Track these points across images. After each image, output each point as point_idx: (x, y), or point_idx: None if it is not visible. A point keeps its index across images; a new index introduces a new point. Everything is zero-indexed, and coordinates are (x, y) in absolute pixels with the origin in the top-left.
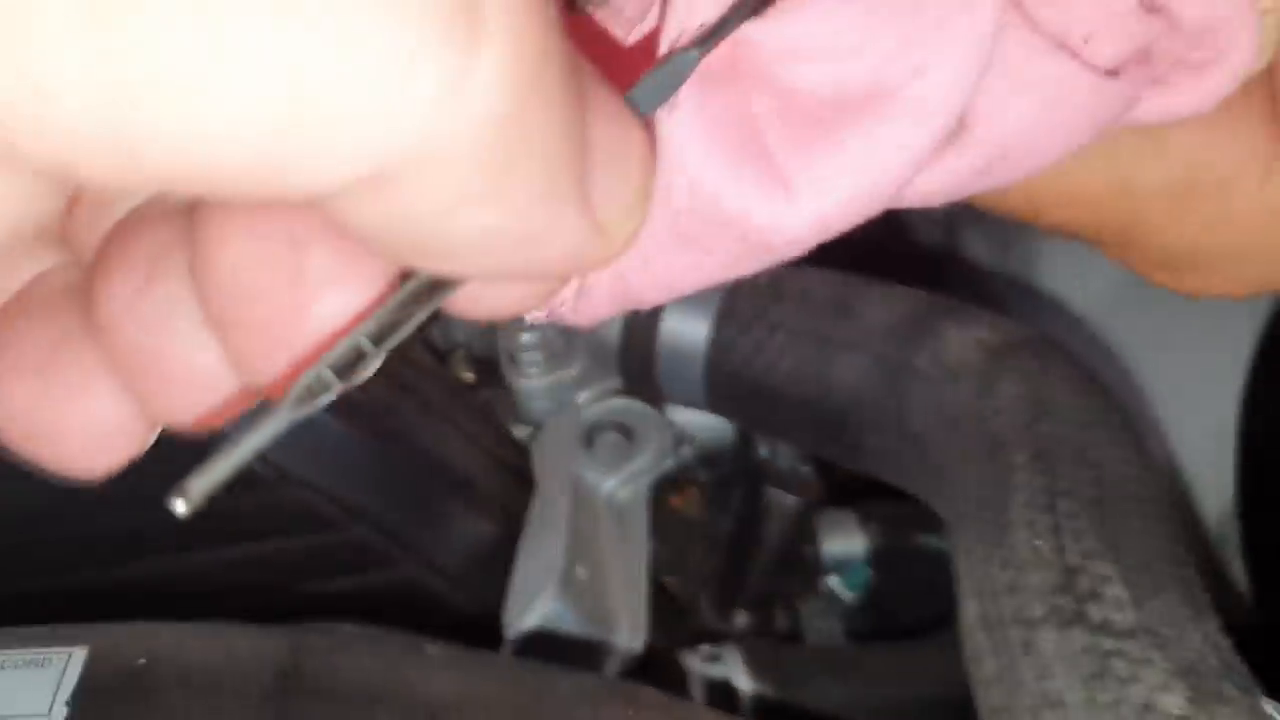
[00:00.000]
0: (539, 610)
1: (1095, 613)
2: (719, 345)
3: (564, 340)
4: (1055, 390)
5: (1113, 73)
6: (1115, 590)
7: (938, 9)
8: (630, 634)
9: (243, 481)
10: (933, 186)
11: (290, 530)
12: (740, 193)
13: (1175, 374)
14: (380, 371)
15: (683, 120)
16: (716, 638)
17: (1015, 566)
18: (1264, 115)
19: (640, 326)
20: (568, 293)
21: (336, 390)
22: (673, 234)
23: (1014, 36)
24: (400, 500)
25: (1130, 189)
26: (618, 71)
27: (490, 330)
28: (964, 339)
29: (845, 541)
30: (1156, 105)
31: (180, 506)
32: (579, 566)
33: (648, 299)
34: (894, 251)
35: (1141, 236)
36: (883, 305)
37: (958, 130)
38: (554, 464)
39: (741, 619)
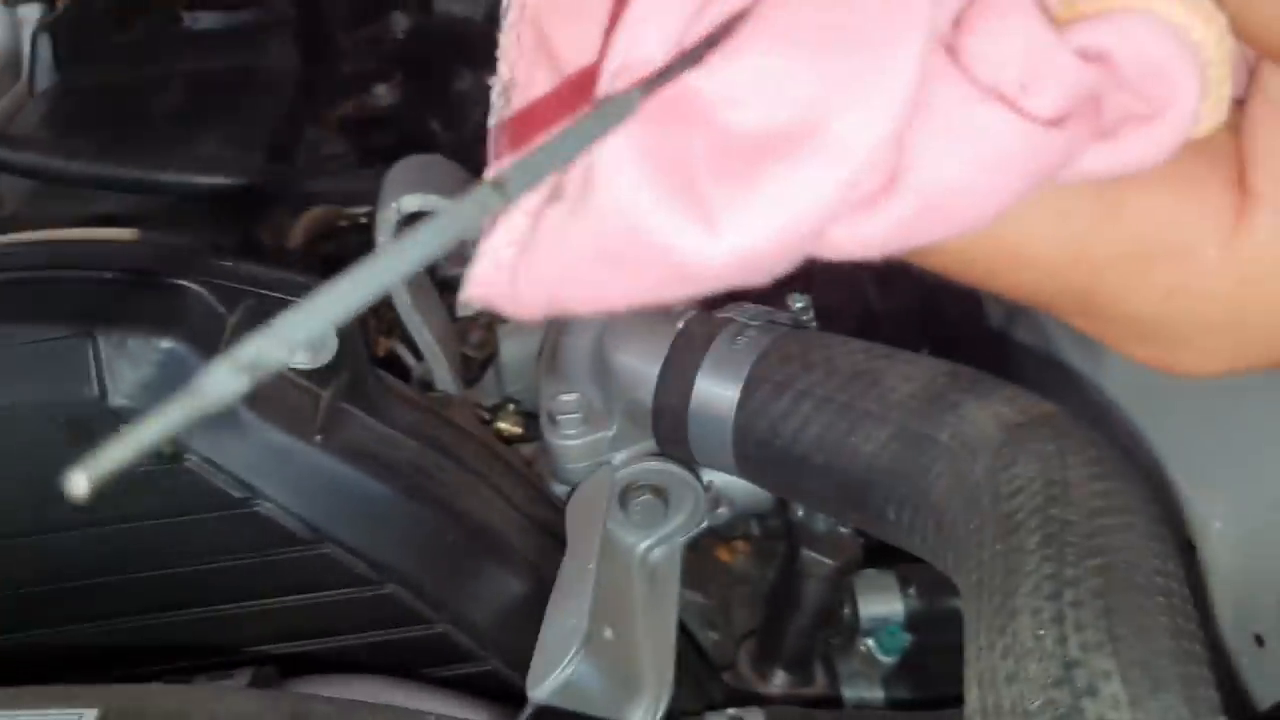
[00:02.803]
0: (562, 673)
1: (1091, 709)
2: (747, 411)
3: (602, 401)
4: (1071, 473)
5: (1054, 122)
6: (1113, 688)
7: (862, 51)
8: (656, 695)
9: (279, 537)
10: (867, 234)
11: (323, 586)
12: (665, 225)
13: (1227, 442)
14: (417, 433)
15: (616, 149)
16: (751, 700)
17: (1016, 655)
18: (1226, 180)
19: (673, 390)
20: (504, 285)
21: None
22: (600, 254)
23: (945, 82)
24: (433, 559)
25: (1085, 253)
26: (556, 104)
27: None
28: (984, 414)
29: (883, 604)
30: (1103, 159)
31: (81, 485)
32: (606, 628)
33: (580, 310)
34: (925, 319)
35: (1100, 306)
36: (906, 376)
37: (889, 178)
38: (585, 524)
39: (780, 679)
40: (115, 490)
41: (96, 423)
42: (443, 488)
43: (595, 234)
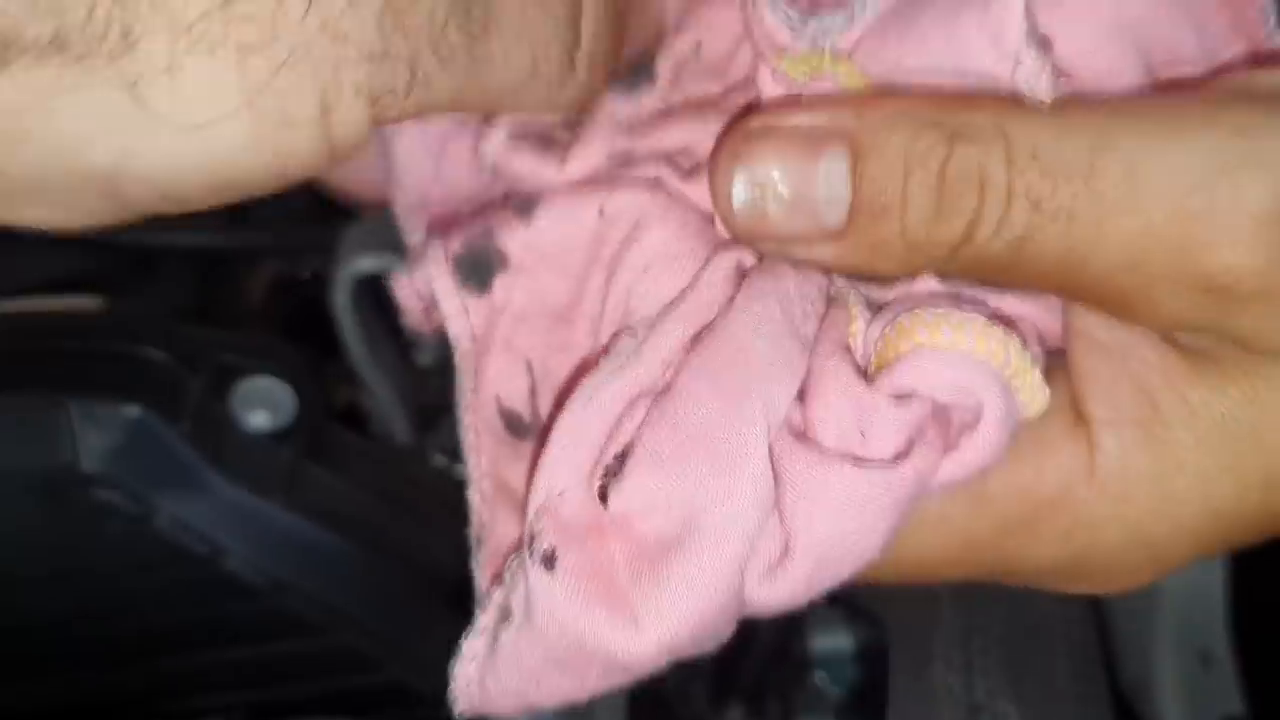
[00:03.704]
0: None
1: None
2: None
3: None
4: None
5: (899, 457)
6: None
7: (716, 455)
8: None
9: (243, 591)
10: (782, 593)
11: (285, 636)
12: (598, 630)
13: None
14: (375, 487)
15: (555, 576)
16: None
17: (929, 702)
18: (1066, 424)
19: None
20: (476, 696)
21: None
22: (549, 661)
23: (795, 456)
24: (390, 609)
25: (974, 539)
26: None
27: None
28: None
29: (832, 638)
30: (953, 468)
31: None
32: None
33: (545, 704)
34: None
35: (1011, 570)
36: None
37: (783, 545)
38: None
39: (736, 712)
40: (84, 548)
41: (68, 488)
42: (400, 540)
43: (542, 646)
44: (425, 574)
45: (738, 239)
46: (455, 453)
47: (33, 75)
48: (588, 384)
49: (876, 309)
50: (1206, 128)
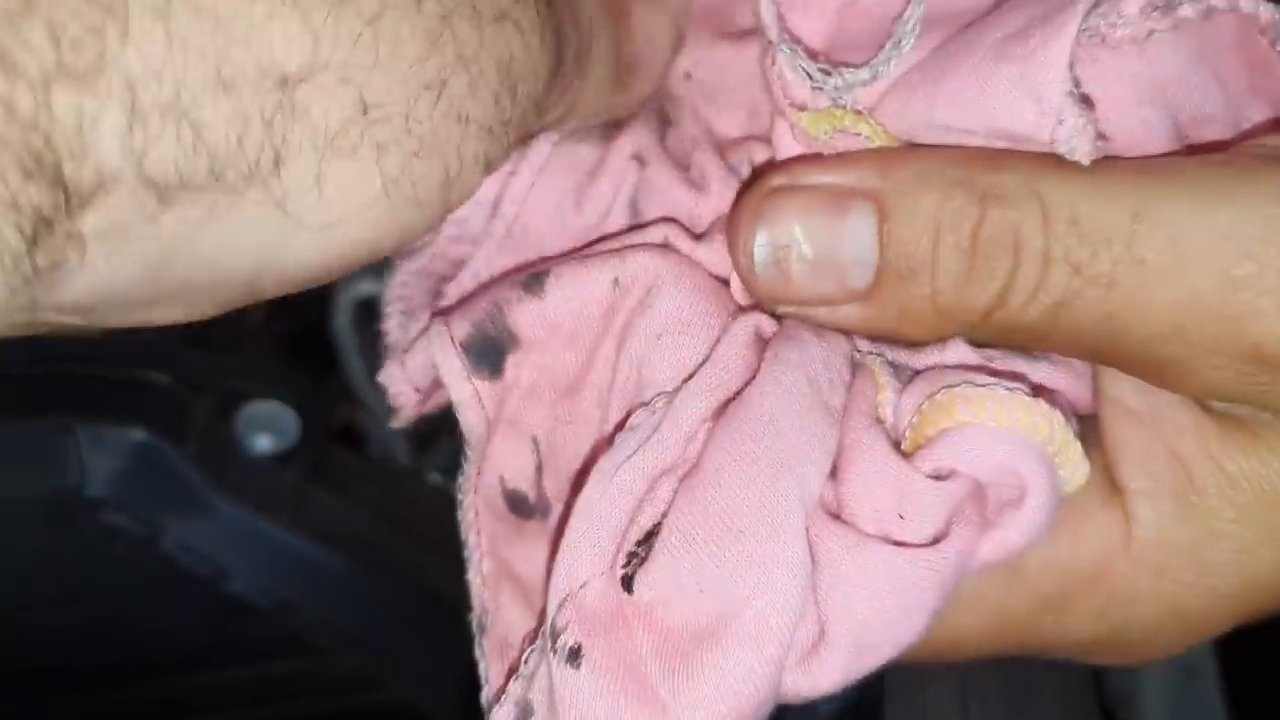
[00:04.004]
0: None
1: None
2: None
3: None
4: None
5: (938, 538)
6: None
7: (752, 540)
8: None
9: (247, 612)
10: (818, 680)
11: (288, 655)
12: None
13: None
14: (375, 507)
15: (581, 673)
16: None
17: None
18: (1103, 497)
19: None
20: None
21: None
22: None
23: (832, 539)
24: (392, 627)
25: (1009, 618)
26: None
27: None
28: None
29: None
30: (992, 547)
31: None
32: None
33: None
34: None
35: (1047, 646)
36: None
37: (818, 630)
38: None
39: None
40: (91, 570)
41: (75, 511)
42: (400, 560)
43: None
44: (425, 593)
45: (759, 301)
46: (452, 471)
47: (187, 210)
48: (606, 463)
49: (903, 375)
50: (1248, 194)
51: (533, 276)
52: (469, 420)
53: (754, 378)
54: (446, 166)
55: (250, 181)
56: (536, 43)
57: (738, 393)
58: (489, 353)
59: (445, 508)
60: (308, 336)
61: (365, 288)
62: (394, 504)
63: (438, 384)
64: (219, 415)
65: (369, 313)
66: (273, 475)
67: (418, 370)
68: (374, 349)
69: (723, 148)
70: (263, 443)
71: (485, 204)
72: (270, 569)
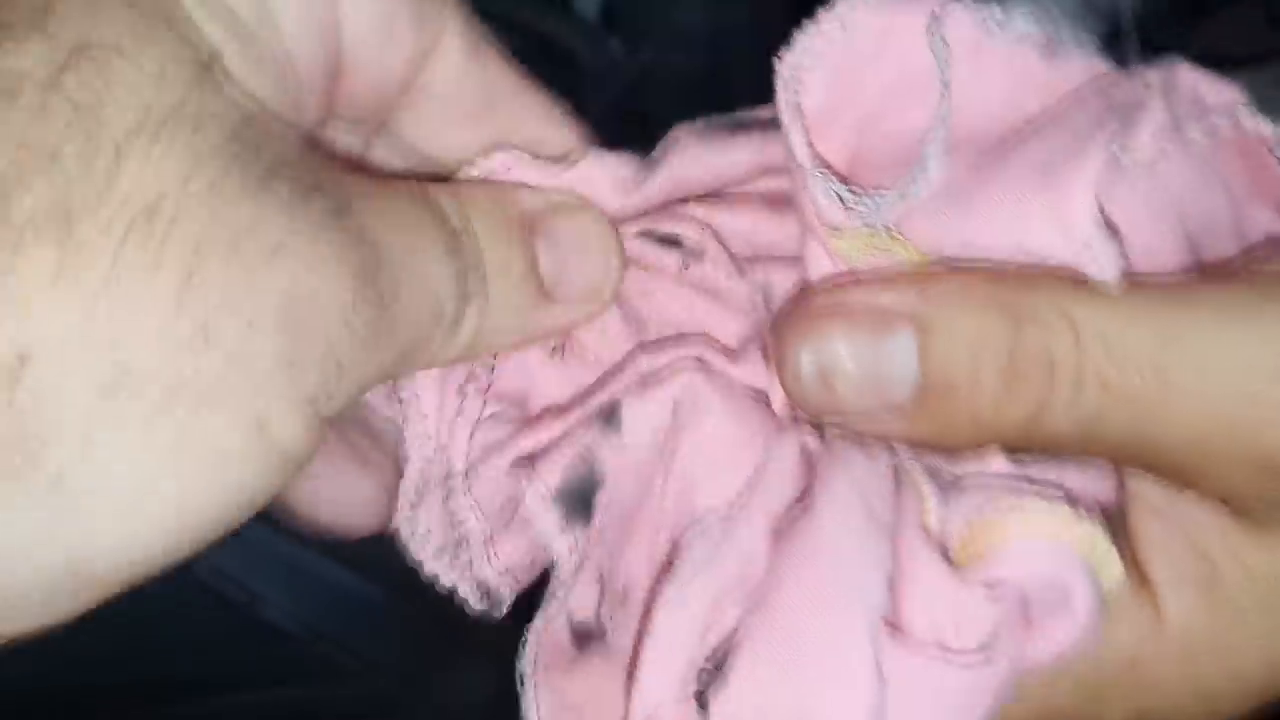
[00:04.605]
0: None
1: None
2: None
3: None
4: None
5: (988, 646)
6: None
7: (826, 661)
8: None
9: (272, 636)
10: None
11: (314, 681)
12: None
13: None
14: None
15: None
16: None
17: None
18: (1131, 588)
19: None
20: None
21: None
22: None
23: (893, 650)
24: (420, 653)
25: (1047, 711)
26: None
27: None
28: None
29: None
30: (1038, 650)
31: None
32: None
33: None
34: None
35: None
36: None
37: None
38: None
39: None
40: (124, 594)
41: None
42: (429, 588)
43: None
44: (454, 619)
45: (806, 414)
46: None
47: None
48: (672, 589)
49: (942, 480)
50: (1262, 317)
51: (606, 409)
52: (564, 570)
53: (806, 495)
54: (243, 415)
55: (14, 460)
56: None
57: (791, 511)
58: (581, 499)
59: None
60: None
61: None
62: None
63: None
64: None
65: None
66: None
67: (485, 501)
68: None
69: (741, 265)
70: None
71: None
72: (303, 594)
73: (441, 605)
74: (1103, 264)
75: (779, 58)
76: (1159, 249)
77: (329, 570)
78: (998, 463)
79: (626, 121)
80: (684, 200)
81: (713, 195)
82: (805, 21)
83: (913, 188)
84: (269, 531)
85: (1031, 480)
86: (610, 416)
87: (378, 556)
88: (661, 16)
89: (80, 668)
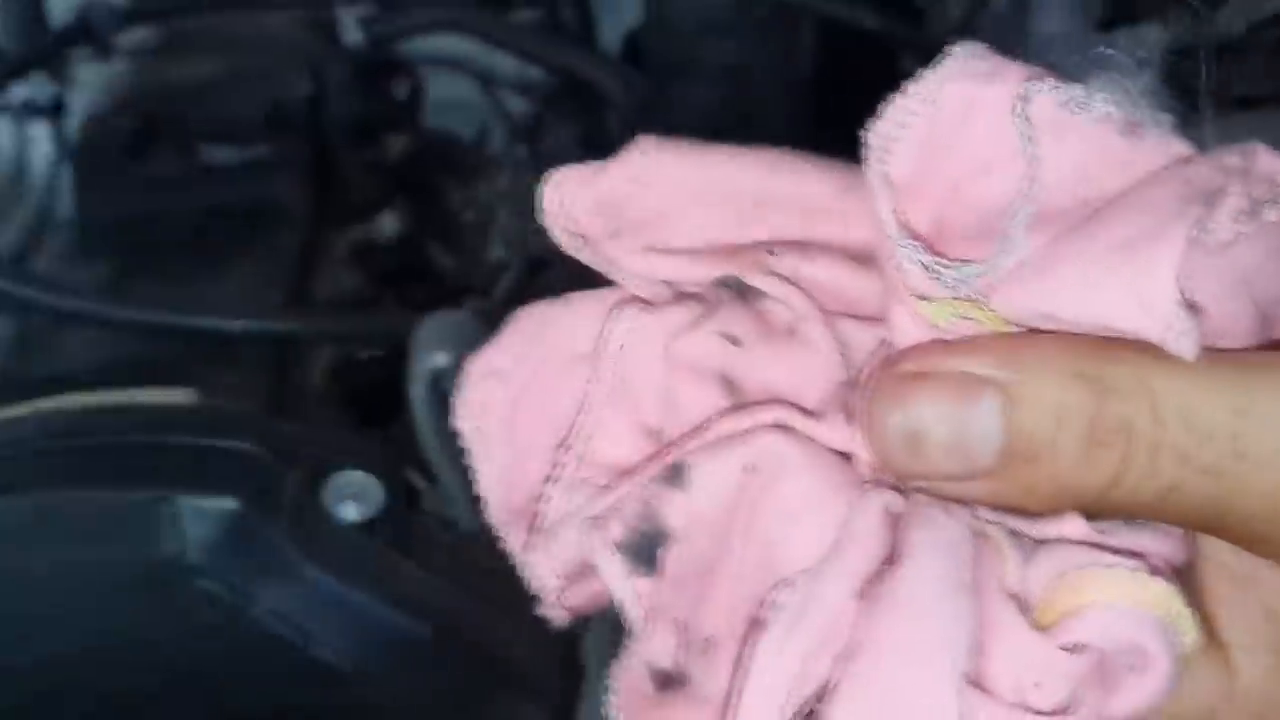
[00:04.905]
0: None
1: None
2: None
3: None
4: None
5: (1070, 703)
6: None
7: (909, 716)
8: None
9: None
10: None
11: (360, 717)
12: None
13: None
14: (450, 574)
15: None
16: None
17: None
18: (1203, 648)
19: None
20: None
21: None
22: None
23: (977, 709)
24: (465, 697)
25: None
26: None
27: None
28: None
29: None
30: (1121, 712)
31: None
32: None
33: None
34: None
35: None
36: None
37: None
38: (602, 660)
39: None
40: (183, 635)
41: (173, 578)
42: (474, 627)
43: None
44: (502, 663)
45: (892, 476)
46: None
47: None
48: (767, 640)
49: (1022, 542)
50: None
51: (674, 469)
52: (632, 616)
53: (891, 555)
54: None
55: None
56: None
57: (878, 570)
58: (645, 550)
59: (517, 576)
60: (360, 396)
61: (441, 360)
62: (464, 570)
63: (582, 573)
64: (308, 485)
65: (442, 383)
66: (359, 544)
67: (558, 560)
68: (446, 418)
69: (827, 320)
70: (349, 511)
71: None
72: (355, 636)
73: (489, 645)
74: (1184, 343)
75: (867, 129)
76: (1233, 324)
77: (382, 612)
78: (1076, 526)
79: None
80: (770, 250)
81: (796, 244)
82: (831, 58)
83: (999, 260)
84: (323, 573)
85: (1109, 543)
86: (675, 476)
87: (429, 598)
88: (688, 52)
89: (129, 709)
